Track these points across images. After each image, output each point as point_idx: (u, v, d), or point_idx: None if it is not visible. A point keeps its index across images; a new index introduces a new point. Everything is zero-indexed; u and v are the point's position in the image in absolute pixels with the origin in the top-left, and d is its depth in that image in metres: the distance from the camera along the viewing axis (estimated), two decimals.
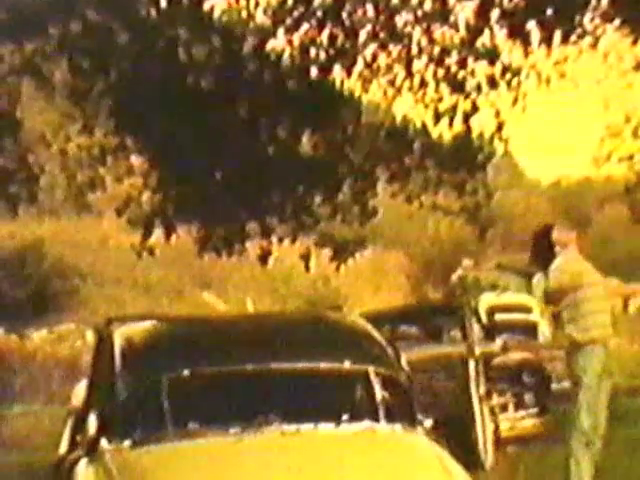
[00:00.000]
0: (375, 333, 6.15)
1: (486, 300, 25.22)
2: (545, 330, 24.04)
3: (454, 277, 27.34)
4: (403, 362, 6.12)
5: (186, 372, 5.50)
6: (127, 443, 5.26)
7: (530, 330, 21.70)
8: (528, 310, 24.04)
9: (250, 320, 6.73)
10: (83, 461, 5.42)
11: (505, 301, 24.48)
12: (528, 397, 10.28)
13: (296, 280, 22.44)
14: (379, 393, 5.62)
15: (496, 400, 10.01)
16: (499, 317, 22.63)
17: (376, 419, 5.53)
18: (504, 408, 10.13)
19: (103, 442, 5.36)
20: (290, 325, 6.26)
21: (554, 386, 11.21)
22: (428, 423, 5.80)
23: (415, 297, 24.07)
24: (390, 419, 5.56)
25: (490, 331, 11.41)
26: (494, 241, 37.77)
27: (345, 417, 5.50)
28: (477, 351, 7.79)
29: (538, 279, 9.73)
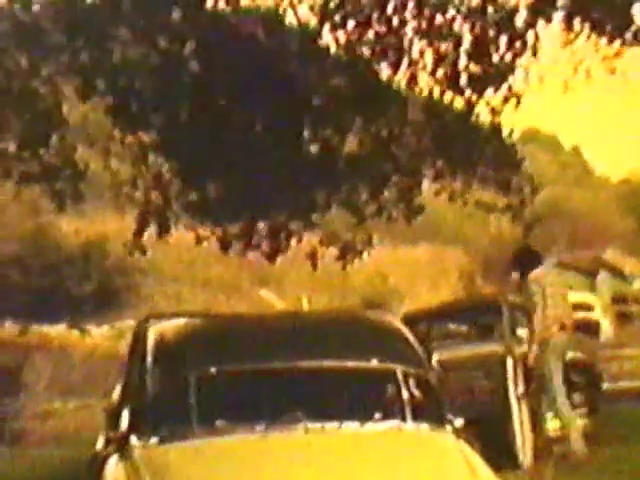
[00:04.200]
0: (406, 332, 6.13)
1: None
2: (607, 329, 23.66)
3: (514, 275, 26.96)
4: (433, 362, 6.11)
5: (213, 370, 5.56)
6: (155, 440, 5.34)
7: (592, 329, 21.38)
8: (590, 308, 23.71)
9: (282, 318, 6.77)
10: (114, 457, 5.50)
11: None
12: (577, 396, 10.14)
13: (353, 277, 22.40)
14: (406, 392, 5.61)
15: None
16: None
17: (403, 418, 5.53)
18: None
19: (133, 439, 5.44)
20: (320, 323, 6.27)
21: (606, 385, 11.02)
22: (459, 422, 5.76)
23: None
24: (417, 418, 5.55)
25: None
26: (559, 239, 37.33)
27: (371, 416, 5.51)
28: (516, 351, 7.72)
29: (602, 278, 9.54)
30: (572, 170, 50.90)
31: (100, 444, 6.32)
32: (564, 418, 8.37)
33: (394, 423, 5.48)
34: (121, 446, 5.49)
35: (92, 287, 20.32)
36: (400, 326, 6.20)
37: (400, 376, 5.65)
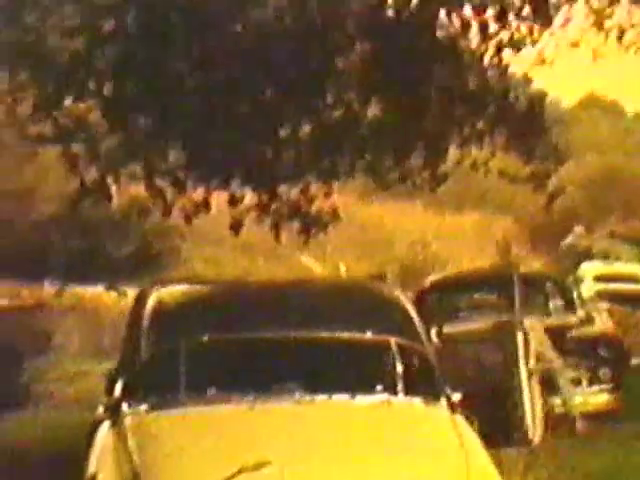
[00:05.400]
0: (407, 304, 6.03)
1: (594, 268, 24.50)
2: None
3: (564, 244, 26.83)
4: (432, 335, 6.01)
5: (205, 338, 5.53)
6: (143, 407, 5.34)
7: (639, 300, 20.96)
8: (638, 280, 23.28)
9: (283, 287, 6.66)
10: (105, 424, 5.51)
11: (615, 270, 23.82)
12: (603, 371, 9.94)
13: (395, 244, 22.23)
14: (400, 365, 5.53)
15: (569, 374, 9.73)
16: (607, 286, 22.03)
17: (395, 391, 5.45)
18: (577, 382, 9.83)
19: (124, 405, 5.44)
20: (320, 293, 6.19)
21: (634, 361, 10.77)
22: (457, 396, 5.66)
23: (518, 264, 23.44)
24: (410, 392, 5.47)
25: (571, 303, 11.06)
26: (615, 208, 36.57)
27: (364, 388, 5.43)
28: (526, 324, 7.53)
29: None
30: (633, 137, 49.71)
31: (100, 410, 6.34)
32: (565, 395, 8.22)
33: (384, 396, 5.39)
34: (113, 413, 5.50)
35: (131, 250, 20.41)
36: (401, 298, 6.09)
37: (395, 349, 5.56)
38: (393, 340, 5.57)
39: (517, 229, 27.35)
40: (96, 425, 5.78)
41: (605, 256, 25.31)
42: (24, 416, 9.98)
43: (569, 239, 26.37)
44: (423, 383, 5.56)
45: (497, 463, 5.26)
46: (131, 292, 16.92)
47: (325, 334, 5.56)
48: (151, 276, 18.96)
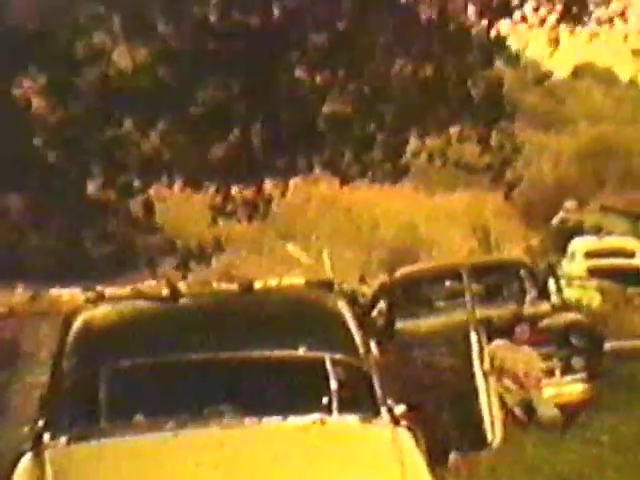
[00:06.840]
0: (346, 316, 5.73)
1: (585, 244, 24.12)
2: None
3: (555, 220, 26.48)
4: (372, 347, 5.74)
5: (126, 363, 5.27)
6: (63, 439, 5.09)
7: (632, 275, 20.61)
8: (631, 254, 22.95)
9: (217, 303, 6.32)
10: (27, 455, 5.26)
11: (606, 245, 23.46)
12: (576, 360, 9.64)
13: (382, 230, 21.90)
14: (335, 382, 5.26)
15: (542, 365, 9.46)
16: (598, 262, 21.68)
17: (330, 410, 5.18)
18: (550, 373, 9.56)
19: (45, 436, 5.20)
20: (254, 309, 5.89)
21: (607, 346, 10.44)
22: (400, 409, 5.39)
23: (511, 245, 23.10)
24: (347, 409, 5.20)
25: (545, 291, 10.77)
26: (610, 179, 36.15)
27: (298, 408, 5.16)
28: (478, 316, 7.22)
29: None
30: (628, 105, 49.09)
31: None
32: None
33: (318, 416, 5.12)
34: (34, 444, 5.25)
35: (111, 248, 20.00)
36: (341, 310, 5.78)
37: (329, 365, 5.29)
38: (327, 356, 5.30)
39: (509, 206, 26.98)
40: (19, 456, 5.55)
41: (597, 230, 24.90)
42: None
43: (560, 214, 25.95)
44: (361, 399, 5.30)
45: (458, 467, 5.00)
46: (107, 292, 16.62)
47: (255, 353, 5.29)
48: (134, 274, 18.67)
